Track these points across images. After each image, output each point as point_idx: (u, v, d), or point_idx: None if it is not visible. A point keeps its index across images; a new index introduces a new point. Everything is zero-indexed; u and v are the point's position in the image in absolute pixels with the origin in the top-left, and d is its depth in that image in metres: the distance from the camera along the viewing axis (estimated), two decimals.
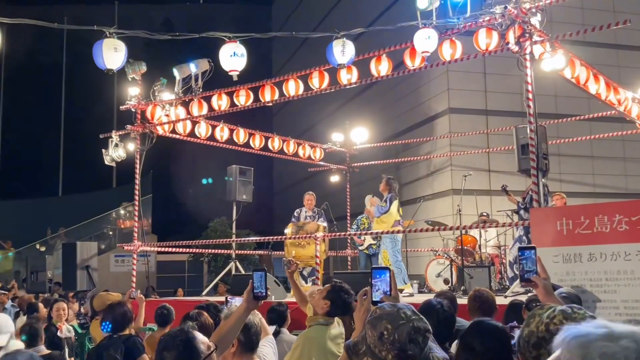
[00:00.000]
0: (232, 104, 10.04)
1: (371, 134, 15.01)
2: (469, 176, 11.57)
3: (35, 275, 11.94)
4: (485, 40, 7.60)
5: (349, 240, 13.50)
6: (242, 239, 13.12)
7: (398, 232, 9.73)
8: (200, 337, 2.83)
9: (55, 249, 17.31)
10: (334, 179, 15.56)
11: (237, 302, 4.31)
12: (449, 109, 15.83)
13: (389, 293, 2.69)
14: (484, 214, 11.66)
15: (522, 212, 8.57)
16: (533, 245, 4.14)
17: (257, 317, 3.91)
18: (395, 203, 10.25)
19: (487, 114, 15.64)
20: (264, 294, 3.36)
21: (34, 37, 30.33)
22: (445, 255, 10.93)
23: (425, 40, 7.44)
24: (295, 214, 11.67)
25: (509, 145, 10.68)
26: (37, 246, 19.59)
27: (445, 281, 10.31)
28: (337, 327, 4.38)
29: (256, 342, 3.48)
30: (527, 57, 7.20)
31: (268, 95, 9.52)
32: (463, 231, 10.26)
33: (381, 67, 8.66)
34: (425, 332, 2.15)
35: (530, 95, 7.19)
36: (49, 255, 12.60)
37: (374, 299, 2.70)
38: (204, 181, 24.91)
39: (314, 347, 4.12)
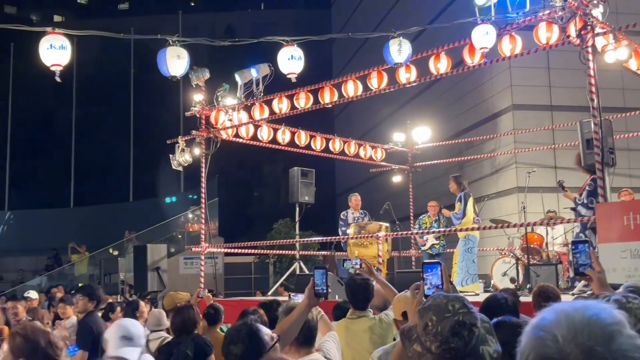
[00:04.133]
0: (293, 107, 10.19)
1: (433, 133, 14.91)
2: (533, 173, 11.36)
3: (108, 277, 12.48)
4: (546, 34, 7.48)
5: (412, 240, 13.46)
6: (305, 239, 13.28)
7: (464, 229, 9.67)
8: (263, 328, 2.95)
9: (127, 252, 17.94)
10: (396, 179, 15.53)
11: (299, 298, 4.44)
12: (513, 106, 15.55)
13: (441, 287, 2.71)
14: (551, 211, 11.42)
15: (579, 208, 8.33)
16: (586, 239, 4.08)
17: (316, 313, 4.00)
18: (470, 201, 10.21)
19: (552, 110, 15.28)
20: (324, 291, 3.44)
21: (102, 49, 31.49)
22: (511, 254, 10.76)
23: (483, 36, 7.39)
24: (342, 216, 11.78)
25: (575, 141, 10.44)
26: (110, 250, 20.29)
27: (512, 280, 10.16)
28: (367, 322, 4.56)
29: (310, 337, 3.56)
30: (590, 50, 7.05)
31: (327, 97, 9.63)
32: (529, 229, 10.09)
33: (440, 65, 8.64)
34: (471, 326, 2.15)
35: (593, 89, 7.04)
36: (121, 258, 13.11)
37: (426, 293, 2.74)
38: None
39: (337, 337, 4.25)
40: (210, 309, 6.07)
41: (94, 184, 31.43)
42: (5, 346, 2.94)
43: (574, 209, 8.81)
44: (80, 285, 12.09)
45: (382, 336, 4.51)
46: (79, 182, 30.01)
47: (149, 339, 5.68)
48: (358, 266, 5.09)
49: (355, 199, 11.94)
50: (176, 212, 22.54)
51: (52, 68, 6.20)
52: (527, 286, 8.87)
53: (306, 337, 3.49)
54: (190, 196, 23.33)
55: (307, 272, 12.12)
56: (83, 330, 5.76)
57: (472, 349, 2.13)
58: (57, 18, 44.61)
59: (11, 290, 18.69)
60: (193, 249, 11.60)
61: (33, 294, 8.30)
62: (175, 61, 6.96)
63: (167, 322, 6.03)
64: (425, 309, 2.20)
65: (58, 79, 6.16)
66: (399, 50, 7.34)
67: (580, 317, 1.20)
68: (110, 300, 7.97)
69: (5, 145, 29.33)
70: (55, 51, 6.19)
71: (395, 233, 10.53)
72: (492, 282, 10.80)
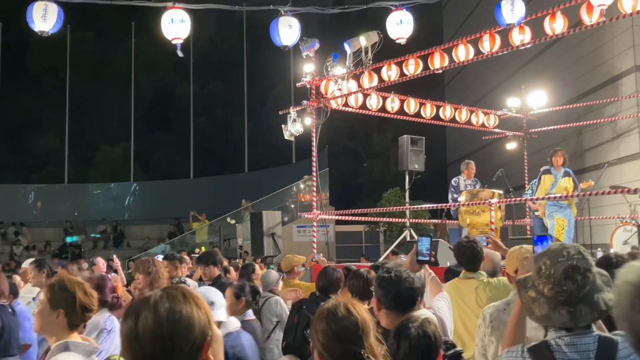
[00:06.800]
0: (402, 74, 10.16)
1: (550, 98, 14.36)
2: None
3: (227, 243, 13.18)
4: None
5: (527, 208, 13.13)
6: (416, 206, 13.27)
7: (568, 196, 9.38)
8: None
9: (244, 220, 18.70)
10: (510, 146, 15.12)
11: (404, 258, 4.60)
12: (636, 67, 14.66)
13: None
14: None
15: None
16: None
17: (427, 275, 4.10)
18: None
19: None
20: (428, 258, 3.52)
21: (217, 25, 32.51)
22: (633, 222, 10.31)
23: None
24: (453, 183, 11.63)
25: None
26: (228, 219, 21.14)
27: (633, 248, 9.76)
28: (475, 283, 4.74)
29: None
30: None
31: (437, 62, 9.51)
32: None
33: (556, 25, 8.31)
34: (585, 271, 2.16)
35: None
36: (239, 224, 13.77)
37: None
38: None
39: (449, 298, 4.35)
40: (344, 270, 6.33)
41: (211, 155, 32.71)
42: (41, 296, 3.12)
43: None
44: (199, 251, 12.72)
45: (489, 299, 4.56)
46: (198, 154, 31.34)
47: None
48: (484, 243, 5.17)
49: (471, 166, 11.75)
50: (288, 182, 23.10)
51: (174, 42, 6.59)
52: None
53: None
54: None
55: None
56: None
57: (586, 295, 2.15)
58: None
59: (137, 256, 19.98)
60: (305, 216, 11.95)
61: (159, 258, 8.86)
62: (287, 31, 7.17)
63: (274, 283, 6.44)
64: (541, 255, 2.27)
65: (180, 53, 6.53)
66: (512, 10, 7.14)
67: None
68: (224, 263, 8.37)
69: (129, 120, 31.04)
70: (175, 25, 6.56)
71: (509, 199, 10.34)
72: (611, 250, 10.40)
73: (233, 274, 8.27)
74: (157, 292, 1.66)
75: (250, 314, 5.05)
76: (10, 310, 5.26)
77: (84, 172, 33.07)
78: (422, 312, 3.52)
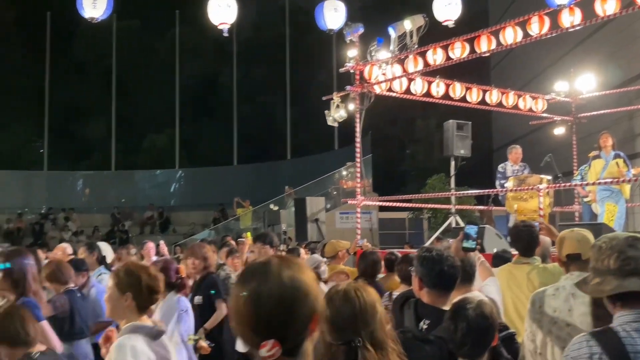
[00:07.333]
0: (448, 58, 9.97)
1: (600, 81, 13.95)
2: None
3: (272, 228, 13.35)
4: None
5: (576, 195, 12.84)
6: (461, 192, 13.11)
7: (619, 180, 9.16)
8: None
9: (287, 206, 18.81)
10: (559, 131, 14.75)
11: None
12: None
13: None
14: None
15: None
16: None
17: (476, 259, 4.05)
18: None
19: None
20: (473, 246, 3.49)
21: (259, 12, 32.57)
22: None
23: None
24: (500, 168, 11.42)
25: None
26: (271, 206, 21.28)
27: None
28: (527, 269, 4.63)
29: (469, 276, 3.68)
30: None
31: (484, 45, 9.30)
32: None
33: (607, 6, 8.04)
34: None
35: None
36: (283, 210, 13.89)
37: None
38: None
39: (498, 282, 4.33)
40: (390, 254, 6.30)
41: (254, 142, 32.93)
42: (109, 283, 3.25)
43: None
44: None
45: (541, 284, 4.48)
46: (241, 141, 31.56)
47: None
48: (538, 230, 5.11)
49: (515, 151, 11.54)
50: (331, 169, 23.08)
51: (220, 27, 6.64)
52: None
53: (465, 276, 3.56)
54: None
55: (463, 226, 12.00)
56: None
57: None
58: None
59: (183, 242, 20.28)
60: (349, 202, 11.93)
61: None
62: (332, 14, 7.15)
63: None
64: (598, 240, 2.32)
65: (226, 34, 6.56)
66: None
67: None
68: None
69: (174, 108, 31.46)
70: (223, 10, 6.60)
71: (558, 185, 10.12)
72: None
73: None
74: (274, 259, 1.67)
75: None
76: (79, 294, 5.43)
77: (130, 159, 33.69)
78: (475, 295, 3.48)
